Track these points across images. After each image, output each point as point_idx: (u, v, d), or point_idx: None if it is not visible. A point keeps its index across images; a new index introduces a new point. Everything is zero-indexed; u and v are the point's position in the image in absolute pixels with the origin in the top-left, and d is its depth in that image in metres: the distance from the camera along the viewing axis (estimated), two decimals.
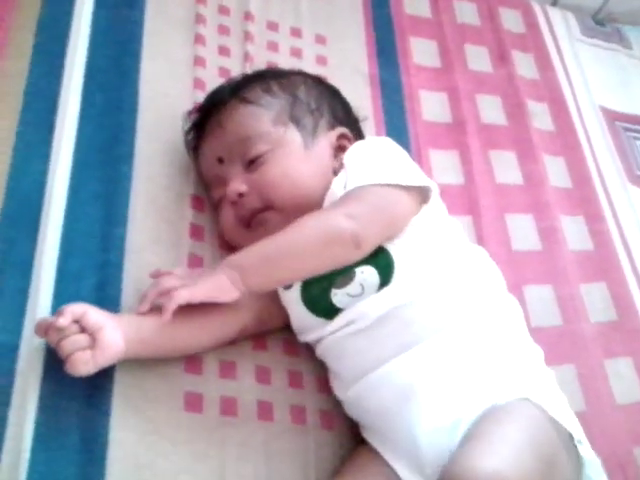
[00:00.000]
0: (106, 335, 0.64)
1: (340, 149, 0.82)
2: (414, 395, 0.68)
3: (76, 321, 0.64)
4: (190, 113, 0.86)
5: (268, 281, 0.71)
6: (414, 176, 0.78)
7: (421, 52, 1.16)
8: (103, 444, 0.64)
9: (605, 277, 1.03)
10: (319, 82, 0.88)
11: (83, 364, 0.62)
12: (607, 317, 0.99)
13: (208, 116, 0.82)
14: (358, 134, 0.88)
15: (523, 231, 1.02)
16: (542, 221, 1.04)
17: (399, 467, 0.70)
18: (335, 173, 0.79)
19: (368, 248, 0.71)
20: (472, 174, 1.04)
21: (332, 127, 0.83)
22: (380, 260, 0.72)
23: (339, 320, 0.72)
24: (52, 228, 0.74)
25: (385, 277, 0.71)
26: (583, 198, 1.11)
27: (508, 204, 1.04)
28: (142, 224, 0.78)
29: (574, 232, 1.06)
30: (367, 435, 0.74)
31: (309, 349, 0.79)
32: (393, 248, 0.73)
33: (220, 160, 0.80)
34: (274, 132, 0.78)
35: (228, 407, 0.71)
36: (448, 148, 1.06)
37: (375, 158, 0.79)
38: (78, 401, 0.65)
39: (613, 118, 1.26)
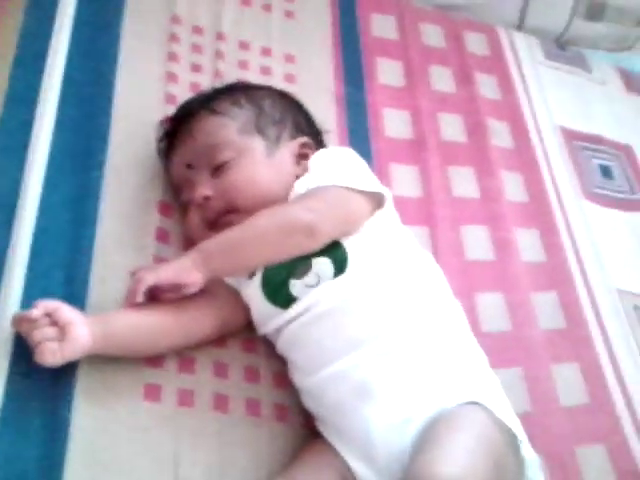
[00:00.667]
0: (75, 330, 0.69)
1: (302, 157, 0.88)
2: (368, 393, 0.73)
3: (48, 315, 0.69)
4: (163, 122, 0.92)
5: (230, 265, 0.77)
6: (370, 183, 0.84)
7: (386, 72, 1.22)
8: (65, 429, 0.68)
9: (556, 287, 1.08)
10: (284, 96, 0.94)
11: (50, 354, 0.67)
12: (556, 325, 1.04)
13: (179, 125, 0.88)
14: (321, 144, 0.94)
15: (477, 242, 1.07)
16: (496, 232, 1.09)
17: (351, 459, 0.73)
18: (297, 178, 0.85)
19: (323, 238, 0.77)
20: (430, 188, 1.10)
21: (294, 137, 0.89)
22: (335, 253, 0.78)
23: (295, 308, 0.77)
24: (24, 228, 0.79)
25: (339, 268, 0.77)
26: (538, 212, 1.16)
27: (464, 216, 1.09)
28: (110, 227, 0.83)
29: (528, 244, 1.11)
30: (321, 427, 0.78)
31: (267, 346, 0.83)
32: (348, 243, 0.79)
33: (189, 166, 0.85)
34: (239, 141, 0.84)
35: (185, 398, 0.76)
36: (408, 163, 1.12)
37: (336, 164, 0.86)
38: (43, 389, 0.70)
39: (572, 137, 1.32)
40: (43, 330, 0.68)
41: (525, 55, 1.41)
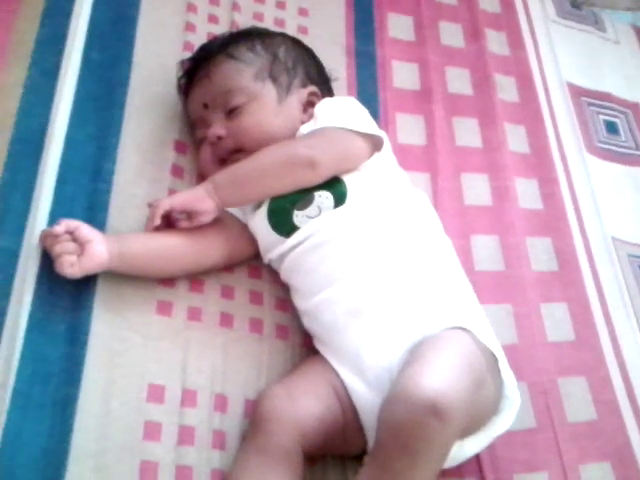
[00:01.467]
0: (93, 246, 0.77)
1: (309, 104, 0.94)
2: (359, 313, 0.80)
3: (70, 233, 0.77)
4: (183, 62, 0.99)
5: (239, 195, 0.85)
6: (369, 127, 0.90)
7: (397, 27, 1.27)
8: (85, 333, 0.77)
9: (551, 233, 1.12)
10: (298, 44, 1.00)
11: (69, 265, 0.76)
12: (548, 267, 1.08)
13: (198, 66, 0.95)
14: (328, 92, 1.00)
15: (476, 189, 1.12)
16: (496, 180, 1.14)
17: (343, 371, 0.80)
18: (303, 124, 0.92)
19: (323, 171, 0.84)
20: (434, 137, 1.15)
21: (304, 85, 0.96)
22: (335, 187, 0.85)
23: (297, 236, 0.84)
24: (51, 160, 0.87)
25: (339, 201, 0.84)
26: (539, 163, 1.20)
27: (465, 164, 1.14)
28: (129, 162, 0.91)
29: (526, 192, 1.15)
30: (318, 345, 0.85)
31: (271, 274, 0.91)
32: (347, 179, 0.86)
33: (205, 106, 0.92)
34: (253, 86, 0.91)
35: (194, 314, 0.84)
36: (414, 113, 1.17)
37: (339, 109, 0.92)
38: (66, 299, 0.79)
39: (579, 94, 1.35)
40: (64, 244, 0.76)
41: (537, 12, 1.44)
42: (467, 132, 1.19)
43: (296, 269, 0.85)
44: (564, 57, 1.39)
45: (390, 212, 0.86)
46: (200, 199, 0.83)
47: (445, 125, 1.18)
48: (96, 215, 0.85)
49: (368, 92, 1.15)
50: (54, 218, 0.82)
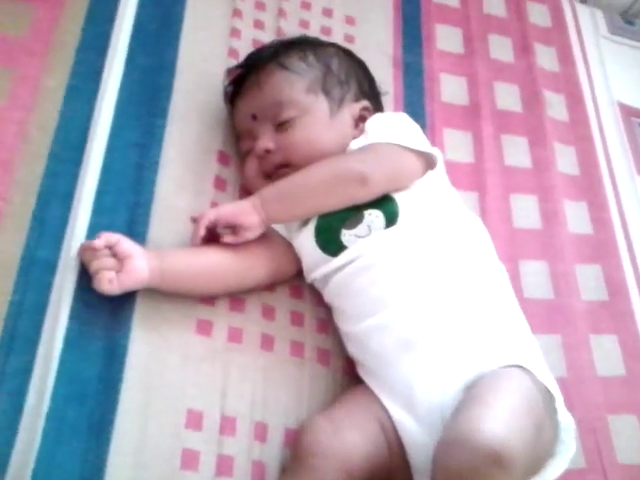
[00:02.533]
0: (133, 262, 0.74)
1: (361, 119, 0.91)
2: (412, 345, 0.76)
3: (110, 247, 0.74)
4: (231, 70, 0.95)
5: (286, 211, 0.81)
6: (423, 144, 0.87)
7: (445, 38, 1.23)
8: (122, 354, 0.73)
9: (601, 260, 1.08)
10: (350, 55, 0.96)
11: (107, 282, 0.72)
12: (598, 297, 1.04)
13: (248, 74, 0.91)
14: (378, 106, 0.96)
15: (526, 211, 1.08)
16: (545, 203, 1.10)
17: (391, 405, 0.76)
18: (353, 139, 0.88)
19: (375, 188, 0.80)
20: (482, 155, 1.11)
21: (357, 99, 0.92)
22: (387, 205, 0.81)
23: (344, 256, 0.80)
24: (92, 168, 0.83)
25: (390, 221, 0.80)
26: (589, 185, 1.16)
27: (514, 185, 1.10)
28: (171, 172, 0.87)
29: (576, 216, 1.11)
30: (363, 374, 0.81)
31: (313, 295, 0.87)
32: (399, 198, 0.82)
33: (253, 117, 0.89)
34: (305, 100, 0.87)
35: (234, 335, 0.80)
36: (462, 129, 1.13)
37: (391, 126, 0.89)
38: (104, 315, 0.75)
39: (630, 114, 1.30)
40: (103, 260, 0.73)
41: (588, 28, 1.40)
42: (516, 151, 1.15)
43: (343, 291, 0.81)
44: (615, 75, 1.34)
45: (444, 235, 0.82)
46: (246, 213, 0.79)
47: (494, 143, 1.14)
48: (136, 227, 0.82)
49: (415, 105, 1.12)
50: (93, 229, 0.79)
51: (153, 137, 0.89)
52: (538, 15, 1.35)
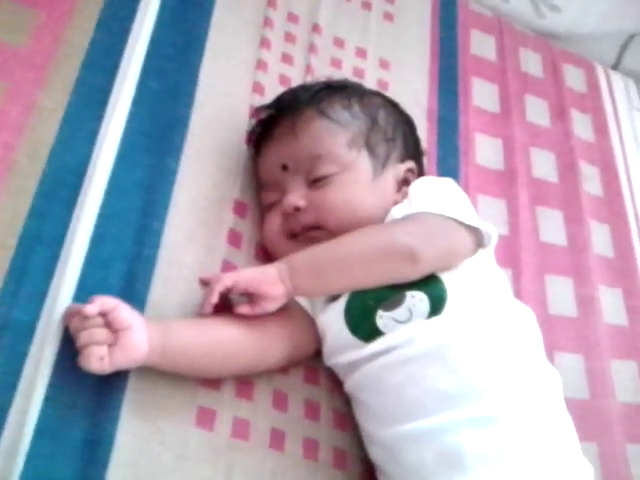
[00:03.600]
0: (132, 336, 0.60)
1: (404, 182, 0.80)
2: (460, 463, 0.62)
3: (103, 314, 0.60)
4: (259, 109, 0.83)
5: (317, 284, 0.69)
6: (475, 218, 0.75)
7: (482, 94, 1.14)
8: (107, 448, 0.59)
9: (636, 356, 0.99)
10: (397, 109, 0.86)
11: (97, 359, 0.59)
12: (634, 399, 0.95)
13: (281, 117, 0.79)
14: (420, 168, 0.85)
15: (561, 295, 0.99)
16: (581, 288, 1.01)
17: None
18: (395, 204, 0.77)
19: (423, 267, 0.69)
20: (517, 227, 1.01)
21: (402, 160, 0.81)
22: (433, 288, 0.69)
23: (379, 343, 0.68)
24: (88, 210, 0.70)
25: (436, 306, 0.68)
26: (623, 271, 1.08)
27: (549, 264, 1.01)
28: (180, 222, 0.75)
29: (611, 304, 1.03)
30: None
31: (330, 379, 0.75)
32: (447, 279, 0.70)
33: (284, 167, 0.77)
34: (346, 155, 0.76)
35: (240, 429, 0.67)
36: (497, 196, 1.03)
37: (440, 193, 0.77)
38: (87, 398, 0.61)
39: None
40: (94, 331, 0.59)
41: (621, 98, 1.33)
42: (552, 226, 1.06)
43: (374, 384, 0.69)
44: None
45: (495, 328, 0.70)
46: (271, 282, 0.66)
47: (529, 214, 1.05)
48: (135, 285, 0.68)
49: (449, 165, 1.02)
50: (83, 285, 0.66)
51: (162, 178, 0.76)
52: (574, 79, 1.28)
